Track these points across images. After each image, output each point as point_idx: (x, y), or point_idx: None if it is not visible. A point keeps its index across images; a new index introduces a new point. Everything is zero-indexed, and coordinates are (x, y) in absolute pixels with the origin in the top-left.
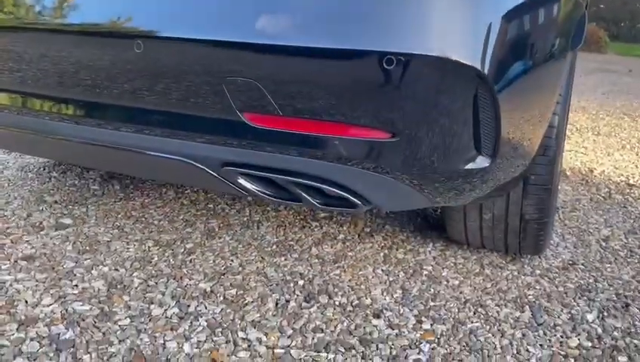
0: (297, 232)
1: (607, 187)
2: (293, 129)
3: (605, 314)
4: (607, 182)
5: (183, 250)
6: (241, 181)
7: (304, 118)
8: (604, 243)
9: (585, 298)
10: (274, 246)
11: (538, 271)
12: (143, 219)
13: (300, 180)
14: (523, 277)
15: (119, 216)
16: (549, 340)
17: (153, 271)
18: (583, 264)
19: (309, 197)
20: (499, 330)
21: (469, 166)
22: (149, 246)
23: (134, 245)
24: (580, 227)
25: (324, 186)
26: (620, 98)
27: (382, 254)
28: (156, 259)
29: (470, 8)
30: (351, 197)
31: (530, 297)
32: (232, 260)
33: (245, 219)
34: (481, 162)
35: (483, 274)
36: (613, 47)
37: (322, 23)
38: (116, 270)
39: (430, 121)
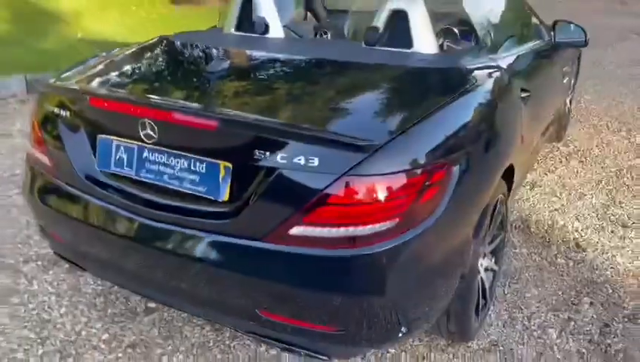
0: None
1: (558, 248)
2: (287, 322)
3: None
4: (560, 242)
5: (228, 334)
6: (262, 340)
7: (290, 318)
8: (527, 323)
9: None
10: None
11: (468, 355)
12: None
13: (293, 348)
14: (455, 360)
15: None
16: None
17: (210, 359)
18: (502, 346)
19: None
20: None
21: (399, 335)
22: (207, 331)
23: (198, 329)
24: (515, 302)
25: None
26: (635, 92)
27: None
28: (211, 344)
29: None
30: (321, 357)
31: None
32: None
33: None
34: (404, 331)
35: (429, 357)
36: None
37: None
38: (187, 357)
39: (366, 323)
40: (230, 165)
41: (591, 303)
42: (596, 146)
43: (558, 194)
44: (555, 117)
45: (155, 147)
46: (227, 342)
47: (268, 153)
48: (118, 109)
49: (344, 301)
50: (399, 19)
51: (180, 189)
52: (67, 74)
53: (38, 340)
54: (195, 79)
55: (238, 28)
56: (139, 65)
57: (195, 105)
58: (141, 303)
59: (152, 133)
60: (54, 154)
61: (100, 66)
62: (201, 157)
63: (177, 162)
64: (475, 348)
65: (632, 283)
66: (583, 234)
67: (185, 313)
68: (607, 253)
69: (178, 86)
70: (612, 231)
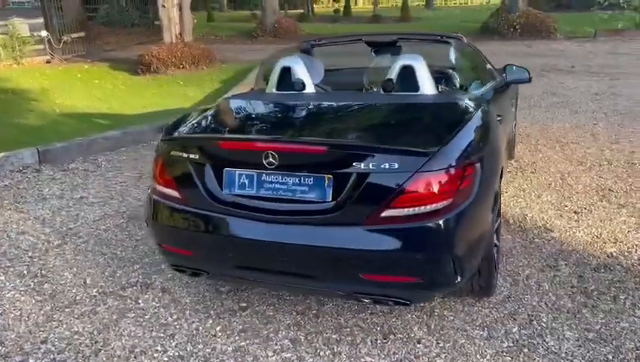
0: None
1: (532, 232)
2: (383, 279)
3: (521, 326)
4: (533, 228)
5: (313, 313)
6: (362, 298)
7: (386, 276)
8: (526, 281)
9: (512, 318)
10: None
11: (491, 305)
12: (279, 296)
13: (385, 299)
14: (482, 309)
15: (264, 297)
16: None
17: (304, 331)
18: (513, 297)
19: (389, 303)
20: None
21: (456, 281)
22: (295, 314)
23: (287, 315)
24: (514, 270)
25: (392, 299)
26: (557, 117)
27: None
28: (302, 322)
29: None
30: (402, 301)
31: (487, 320)
32: None
33: None
34: (459, 278)
35: (464, 310)
36: (564, 22)
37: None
38: (288, 332)
39: (436, 272)
40: (331, 176)
41: (566, 264)
42: (540, 160)
43: (522, 196)
44: (508, 138)
45: (272, 171)
46: (313, 320)
47: (362, 164)
48: (246, 147)
49: (422, 257)
50: (408, 71)
51: (293, 198)
52: (177, 129)
53: (167, 337)
54: (287, 121)
55: (278, 88)
56: (231, 116)
57: (305, 138)
58: (235, 303)
59: (273, 160)
60: (183, 187)
61: (201, 120)
62: (309, 173)
63: (290, 179)
64: (495, 301)
65: (590, 248)
66: (548, 221)
67: (296, 292)
68: (568, 231)
69: (280, 126)
70: (569, 217)
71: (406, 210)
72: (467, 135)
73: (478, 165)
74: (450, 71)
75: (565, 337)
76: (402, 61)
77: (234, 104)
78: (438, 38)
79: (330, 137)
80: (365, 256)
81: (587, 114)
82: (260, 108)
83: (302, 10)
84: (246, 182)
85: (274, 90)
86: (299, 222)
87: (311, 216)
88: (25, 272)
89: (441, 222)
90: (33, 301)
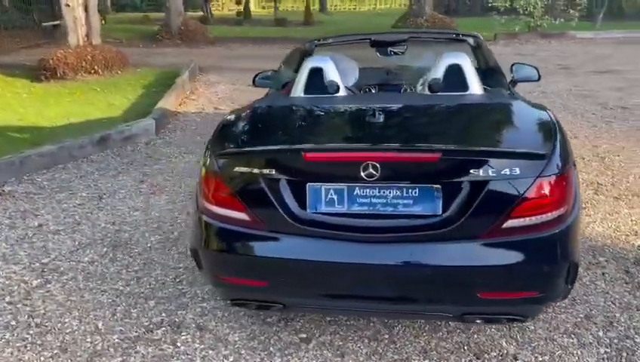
0: None
1: None
2: (503, 296)
3: (605, 328)
4: None
5: (386, 338)
6: (473, 318)
7: (507, 292)
8: (580, 280)
9: (591, 321)
10: None
11: (562, 309)
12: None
13: (501, 317)
14: (557, 315)
15: (320, 324)
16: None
17: (387, 359)
18: (579, 299)
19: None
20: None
21: (569, 289)
22: (369, 341)
23: (360, 343)
24: None
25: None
26: None
27: None
28: (381, 350)
29: None
30: (518, 318)
31: (569, 326)
32: None
33: None
34: (570, 287)
35: (540, 318)
36: (462, 26)
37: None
38: None
39: (556, 284)
40: (439, 186)
41: (606, 260)
42: None
43: None
44: None
45: (367, 184)
46: (392, 346)
47: (480, 171)
48: (341, 158)
49: (547, 269)
50: (455, 70)
51: (394, 213)
52: (231, 141)
53: None
54: (370, 128)
55: (306, 92)
56: (293, 124)
57: (414, 145)
58: (293, 335)
59: (374, 172)
60: (254, 208)
61: (258, 129)
62: (414, 184)
63: (390, 192)
64: (563, 304)
65: (618, 242)
66: None
67: (391, 319)
68: (588, 226)
69: (369, 133)
70: None
71: (529, 219)
72: (559, 137)
73: (574, 167)
74: (477, 70)
75: None
76: (448, 59)
77: (282, 111)
78: (454, 36)
79: (437, 143)
80: (485, 272)
81: None
82: (319, 113)
83: (201, 13)
84: (335, 198)
85: (302, 94)
86: (402, 240)
87: (417, 233)
88: (13, 323)
89: (562, 229)
90: (42, 358)
